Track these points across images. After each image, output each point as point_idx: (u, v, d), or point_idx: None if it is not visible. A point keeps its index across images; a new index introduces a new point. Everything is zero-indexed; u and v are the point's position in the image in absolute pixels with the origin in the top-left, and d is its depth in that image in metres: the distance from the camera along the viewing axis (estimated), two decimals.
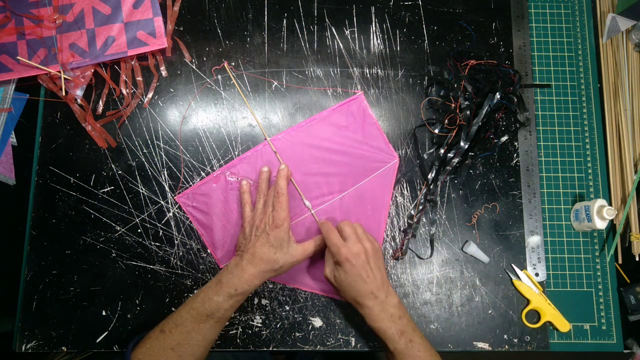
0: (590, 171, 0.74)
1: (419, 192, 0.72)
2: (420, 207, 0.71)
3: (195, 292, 0.66)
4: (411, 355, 0.58)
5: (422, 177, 0.72)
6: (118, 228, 0.70)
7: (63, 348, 0.67)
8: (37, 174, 0.71)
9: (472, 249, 0.69)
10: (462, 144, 0.69)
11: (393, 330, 0.58)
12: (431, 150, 0.73)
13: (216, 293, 0.59)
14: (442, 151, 0.71)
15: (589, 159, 0.74)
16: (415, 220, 0.70)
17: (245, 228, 0.64)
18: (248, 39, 0.75)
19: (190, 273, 0.69)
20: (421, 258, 0.70)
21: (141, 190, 0.71)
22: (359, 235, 0.62)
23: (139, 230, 0.70)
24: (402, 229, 0.71)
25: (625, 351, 0.70)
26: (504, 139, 0.73)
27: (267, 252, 0.60)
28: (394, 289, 0.62)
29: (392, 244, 0.71)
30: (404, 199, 0.72)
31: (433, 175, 0.71)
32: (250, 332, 0.68)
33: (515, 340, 0.68)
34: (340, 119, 0.72)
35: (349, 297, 0.62)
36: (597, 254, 0.71)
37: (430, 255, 0.70)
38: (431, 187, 0.71)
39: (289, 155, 0.70)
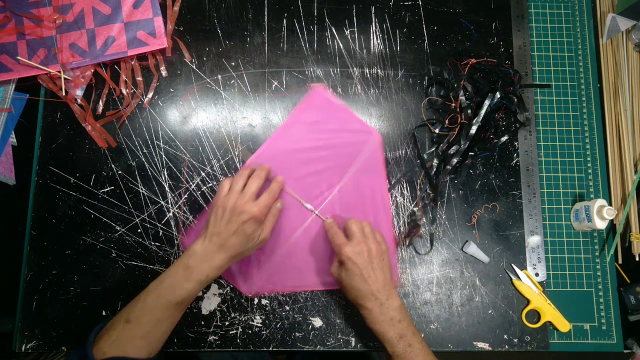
0: (590, 171, 0.74)
1: (418, 192, 0.72)
2: (422, 204, 0.71)
3: (159, 277, 0.59)
4: None
5: (425, 176, 0.72)
6: (118, 228, 0.70)
7: (63, 348, 0.67)
8: (37, 174, 0.71)
9: (472, 249, 0.69)
10: (462, 143, 0.69)
11: (392, 334, 0.58)
12: (431, 150, 0.73)
13: (186, 280, 0.57)
14: (442, 149, 0.71)
15: (589, 159, 0.74)
16: (419, 208, 0.70)
17: (217, 207, 0.60)
18: (248, 39, 0.75)
19: None
20: (419, 253, 0.70)
21: (141, 190, 0.71)
22: (365, 234, 0.62)
23: (139, 230, 0.70)
24: (410, 214, 0.70)
25: (625, 351, 0.70)
26: (504, 139, 0.73)
27: (239, 241, 0.58)
28: (397, 292, 0.61)
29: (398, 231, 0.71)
30: (404, 199, 0.71)
31: (433, 172, 0.71)
32: (250, 332, 0.68)
33: (515, 340, 0.68)
34: (310, 116, 0.72)
35: (351, 298, 0.62)
36: (597, 254, 0.71)
37: (430, 250, 0.70)
38: (434, 181, 0.71)
39: (274, 167, 0.69)
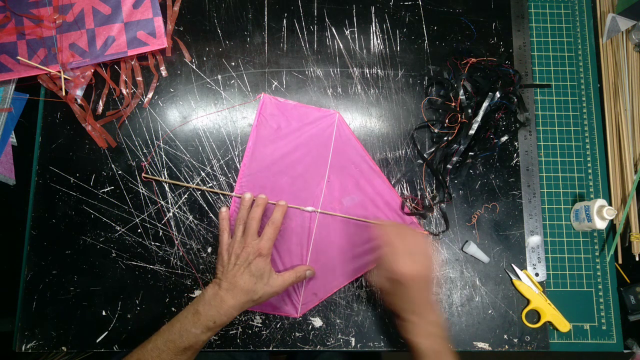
0: (590, 171, 0.74)
1: (418, 192, 0.72)
2: (431, 195, 0.71)
3: (172, 320, 0.59)
4: None
5: (432, 173, 0.72)
6: (118, 228, 0.70)
7: (63, 348, 0.67)
8: (37, 174, 0.71)
9: (472, 249, 0.69)
10: (461, 142, 0.69)
11: (427, 347, 0.57)
12: (431, 150, 0.73)
13: (194, 325, 0.57)
14: (442, 148, 0.71)
15: (589, 159, 0.74)
16: (428, 193, 0.70)
17: (222, 255, 0.61)
18: (248, 39, 0.75)
19: (190, 273, 0.69)
20: (435, 234, 0.70)
21: (141, 190, 0.71)
22: (420, 252, 0.60)
23: (139, 230, 0.70)
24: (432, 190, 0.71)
25: (625, 351, 0.70)
26: (504, 139, 0.73)
27: (247, 282, 0.59)
28: (438, 307, 0.61)
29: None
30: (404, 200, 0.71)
31: (436, 166, 0.71)
32: (250, 332, 0.68)
33: (515, 340, 0.68)
34: (268, 126, 0.72)
35: (391, 307, 0.62)
36: (597, 254, 0.71)
37: (447, 229, 0.70)
38: (440, 175, 0.71)
39: (260, 189, 0.70)
